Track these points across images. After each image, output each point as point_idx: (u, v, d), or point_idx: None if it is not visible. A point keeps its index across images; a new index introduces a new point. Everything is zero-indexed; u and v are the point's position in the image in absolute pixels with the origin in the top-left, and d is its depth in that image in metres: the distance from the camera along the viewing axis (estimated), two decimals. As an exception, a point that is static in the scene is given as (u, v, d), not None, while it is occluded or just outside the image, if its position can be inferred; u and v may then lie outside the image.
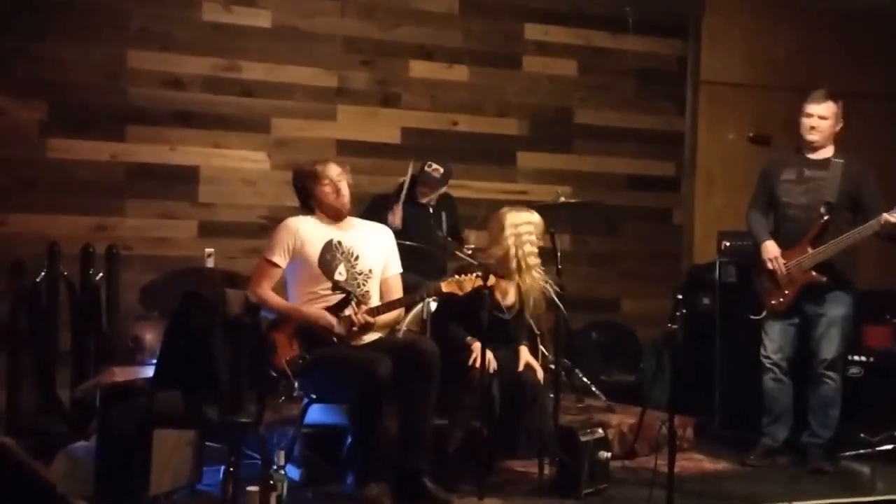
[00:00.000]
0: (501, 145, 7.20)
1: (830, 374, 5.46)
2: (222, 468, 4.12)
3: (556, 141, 7.37)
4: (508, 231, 4.99)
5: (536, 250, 5.05)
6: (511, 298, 5.07)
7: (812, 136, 5.46)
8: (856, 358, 6.11)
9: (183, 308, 4.12)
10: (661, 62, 7.66)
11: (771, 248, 5.47)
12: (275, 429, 4.88)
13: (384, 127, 6.90)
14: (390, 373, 4.33)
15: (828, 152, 5.50)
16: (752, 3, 7.87)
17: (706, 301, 6.55)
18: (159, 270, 6.19)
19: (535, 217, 5.07)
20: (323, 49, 6.72)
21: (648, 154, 7.61)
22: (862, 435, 5.86)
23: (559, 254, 5.45)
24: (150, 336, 5.24)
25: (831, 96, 5.48)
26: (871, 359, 6.14)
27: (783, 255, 5.44)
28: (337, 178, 4.78)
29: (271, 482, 4.01)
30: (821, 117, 5.44)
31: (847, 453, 5.71)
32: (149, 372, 4.50)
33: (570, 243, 7.11)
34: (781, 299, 5.46)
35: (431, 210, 6.24)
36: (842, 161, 5.45)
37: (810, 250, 5.35)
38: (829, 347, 5.43)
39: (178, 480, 4.44)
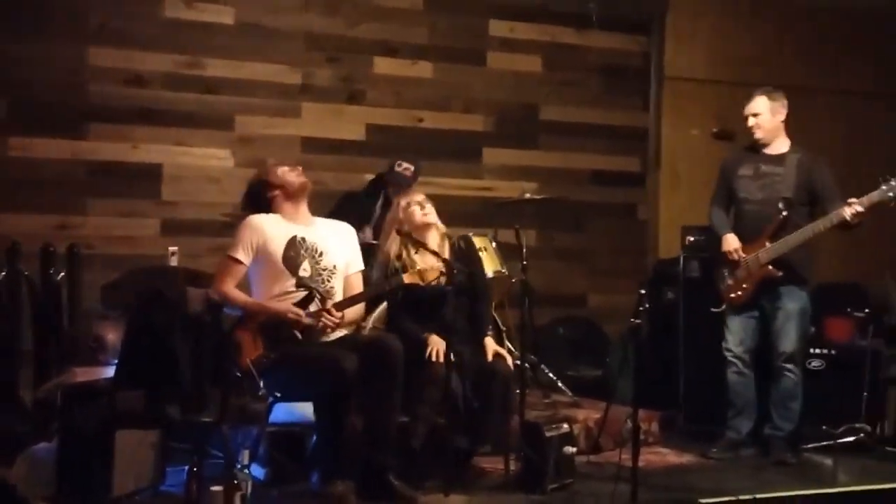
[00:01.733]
0: (467, 142, 7.20)
1: (790, 367, 5.51)
2: (186, 468, 4.10)
3: (521, 137, 7.38)
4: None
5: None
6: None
7: (756, 134, 5.54)
8: (817, 351, 6.15)
9: (144, 307, 4.10)
10: (625, 58, 7.69)
11: (731, 240, 5.52)
12: (239, 428, 4.85)
13: (349, 124, 6.88)
14: (356, 369, 4.33)
15: (783, 147, 5.56)
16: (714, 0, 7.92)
17: (671, 296, 6.58)
18: (122, 269, 6.12)
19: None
20: (287, 46, 6.70)
21: (613, 150, 7.64)
22: (824, 427, 5.91)
23: (525, 249, 5.46)
24: (112, 336, 5.18)
25: (765, 92, 5.54)
26: (833, 352, 6.18)
27: (742, 250, 5.49)
28: (288, 169, 4.78)
29: (235, 482, 3.99)
30: (754, 114, 5.53)
31: (809, 445, 5.76)
32: (111, 372, 4.47)
33: (535, 239, 7.12)
34: (740, 293, 5.51)
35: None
36: (797, 155, 5.50)
37: (768, 245, 5.40)
38: (787, 341, 5.48)
39: (141, 481, 4.40)
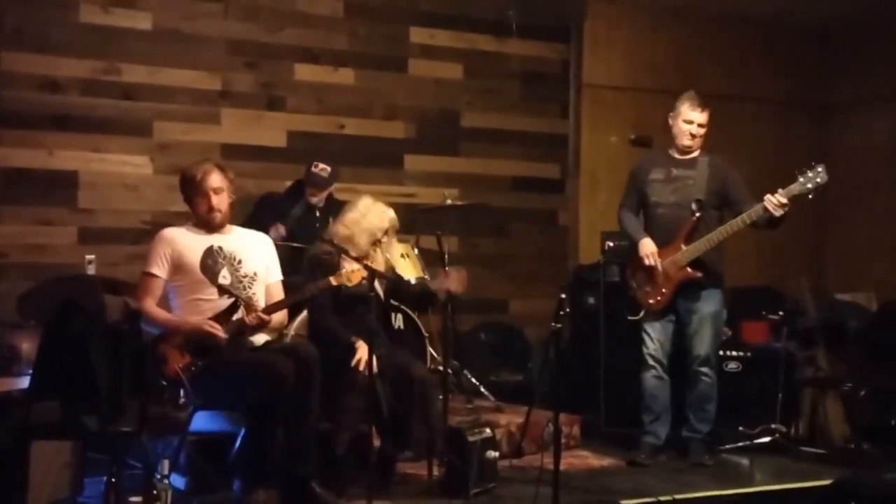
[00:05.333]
0: (388, 148, 7.20)
1: (705, 370, 5.59)
2: (104, 479, 4.04)
3: (442, 144, 7.40)
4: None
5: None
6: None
7: (691, 143, 5.58)
8: (733, 353, 6.27)
9: (60, 315, 4.02)
10: (544, 66, 7.76)
11: (647, 245, 5.56)
12: (159, 437, 4.79)
13: (269, 130, 6.84)
14: (292, 372, 4.31)
15: (693, 152, 5.64)
16: (631, 8, 8.03)
17: (591, 301, 6.66)
18: (38, 278, 6.00)
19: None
20: (206, 51, 6.63)
21: (533, 156, 7.70)
22: (740, 428, 6.03)
23: (447, 256, 5.48)
24: (27, 346, 5.07)
25: (709, 104, 5.60)
26: (749, 354, 6.31)
27: (657, 254, 5.53)
28: (214, 189, 4.71)
29: (155, 492, 3.96)
30: (700, 125, 5.56)
31: (726, 446, 5.87)
32: (25, 382, 4.38)
33: (457, 245, 7.12)
34: (659, 298, 5.55)
35: (318, 213, 6.21)
36: (707, 159, 5.59)
37: (684, 247, 5.46)
38: (702, 344, 5.55)
39: (58, 493, 4.31)
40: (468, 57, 7.48)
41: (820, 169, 5.24)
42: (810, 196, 5.29)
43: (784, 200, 5.23)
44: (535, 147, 7.70)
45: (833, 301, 7.43)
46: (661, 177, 5.62)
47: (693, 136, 5.55)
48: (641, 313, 5.63)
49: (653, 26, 8.11)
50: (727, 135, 7.41)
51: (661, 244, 5.54)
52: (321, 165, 6.18)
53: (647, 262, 5.53)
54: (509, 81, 7.63)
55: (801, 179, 5.26)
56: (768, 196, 5.26)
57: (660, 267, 5.51)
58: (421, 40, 7.34)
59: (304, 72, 6.94)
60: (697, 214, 5.45)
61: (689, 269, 5.47)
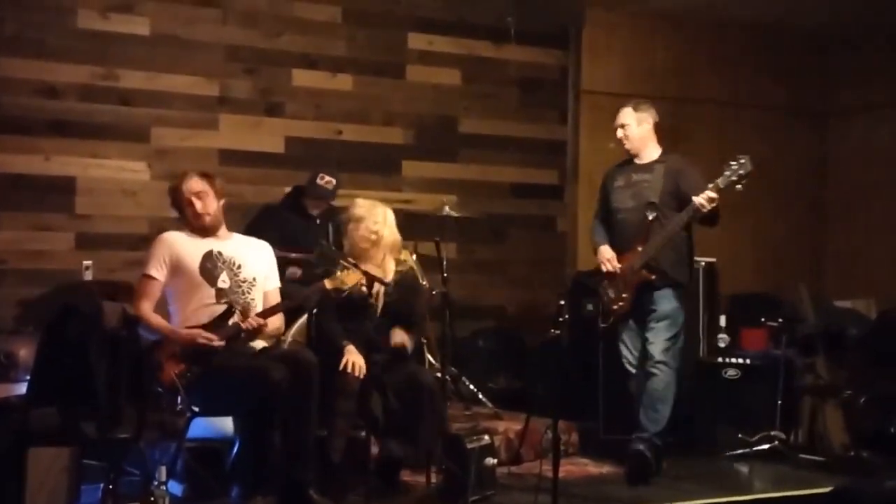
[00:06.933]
0: (386, 154, 7.19)
1: (659, 367, 5.42)
2: (101, 486, 4.03)
3: (440, 150, 7.39)
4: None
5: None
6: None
7: (626, 145, 5.62)
8: (732, 360, 6.27)
9: (58, 321, 4.01)
10: (543, 72, 7.75)
11: (604, 251, 5.57)
12: (156, 444, 4.77)
13: (267, 136, 6.82)
14: (285, 380, 4.30)
15: (653, 155, 5.62)
16: (630, 15, 8.03)
17: (590, 307, 6.63)
18: (35, 284, 6.00)
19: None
20: (204, 57, 6.62)
21: (532, 163, 7.69)
22: (740, 435, 6.02)
23: (445, 262, 5.47)
24: (25, 352, 5.07)
25: (632, 104, 5.63)
26: (747, 361, 6.30)
27: (619, 260, 5.51)
28: (196, 194, 4.71)
29: (152, 499, 3.94)
30: (621, 126, 5.61)
31: (726, 453, 5.85)
32: (22, 388, 4.37)
33: (455, 252, 7.14)
34: (621, 303, 5.52)
35: (318, 222, 6.19)
36: (665, 162, 5.57)
37: (640, 250, 5.46)
38: (655, 344, 5.43)
39: (55, 500, 4.28)
40: (466, 63, 7.48)
41: (744, 160, 5.24)
42: (738, 187, 5.25)
43: (713, 195, 5.22)
44: (534, 153, 7.70)
45: (832, 308, 7.41)
46: (622, 183, 5.64)
47: (620, 138, 5.60)
48: (610, 320, 5.60)
49: (651, 33, 8.11)
50: (725, 142, 7.42)
51: (623, 250, 5.52)
52: (327, 178, 6.15)
53: (604, 268, 5.54)
54: (508, 88, 7.62)
55: (727, 172, 5.25)
56: (699, 195, 5.23)
57: (616, 269, 5.50)
58: (419, 46, 7.33)
59: (303, 78, 6.94)
60: (651, 217, 5.43)
61: (643, 272, 5.44)
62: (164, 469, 4.10)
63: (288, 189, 6.48)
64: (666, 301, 5.48)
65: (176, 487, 4.55)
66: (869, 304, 7.58)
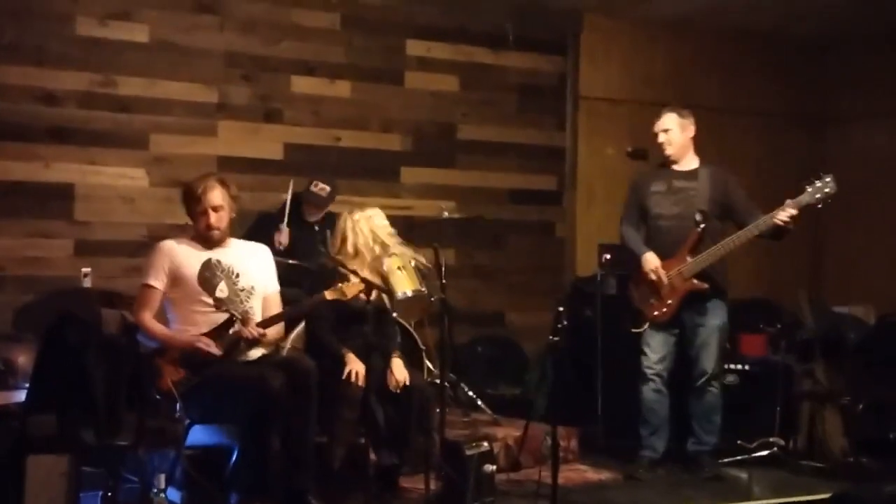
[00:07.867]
0: (385, 161, 7.20)
1: (714, 383, 5.57)
2: (100, 493, 4.02)
3: (439, 156, 7.40)
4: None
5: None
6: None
7: (667, 150, 5.60)
8: (731, 366, 6.26)
9: (56, 328, 4.01)
10: (541, 78, 7.76)
11: (651, 259, 5.54)
12: (155, 451, 4.76)
13: (266, 143, 6.83)
14: (283, 387, 4.30)
15: (693, 163, 5.64)
16: (628, 21, 8.04)
17: (588, 313, 6.64)
18: (34, 291, 6.00)
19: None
20: (203, 64, 6.63)
21: (530, 168, 7.70)
22: (739, 441, 6.01)
23: (443, 268, 5.46)
24: (23, 359, 5.05)
25: (674, 109, 5.64)
26: (747, 367, 6.30)
27: (662, 266, 5.52)
28: (214, 207, 4.70)
29: (151, 506, 3.93)
30: (664, 130, 5.60)
31: (725, 460, 5.85)
32: (21, 395, 4.36)
33: (454, 258, 7.14)
34: (665, 309, 5.52)
35: (317, 229, 6.20)
36: (708, 170, 5.59)
37: (689, 259, 5.45)
38: (709, 357, 5.53)
39: (53, 507, 4.30)
40: (465, 69, 7.49)
41: (828, 179, 5.24)
42: (819, 206, 5.27)
43: (795, 212, 5.24)
44: (532, 159, 7.70)
45: (831, 314, 7.40)
46: (662, 189, 5.62)
47: (663, 143, 5.59)
48: (645, 326, 5.60)
49: (650, 39, 8.12)
50: (724, 148, 7.42)
51: (665, 256, 5.52)
52: (320, 185, 6.18)
53: (652, 277, 5.50)
54: (506, 94, 7.63)
55: (810, 190, 5.26)
56: (779, 211, 5.24)
57: (665, 280, 5.49)
58: (417, 53, 7.34)
59: (301, 84, 6.94)
60: (702, 225, 5.43)
61: (695, 281, 5.44)
62: (162, 476, 4.10)
63: (286, 196, 6.48)
64: (717, 313, 5.53)
65: (175, 495, 4.53)
66: (868, 309, 7.58)
